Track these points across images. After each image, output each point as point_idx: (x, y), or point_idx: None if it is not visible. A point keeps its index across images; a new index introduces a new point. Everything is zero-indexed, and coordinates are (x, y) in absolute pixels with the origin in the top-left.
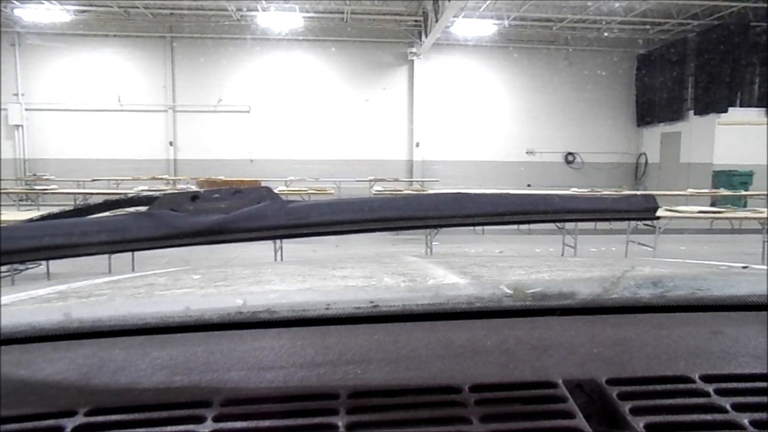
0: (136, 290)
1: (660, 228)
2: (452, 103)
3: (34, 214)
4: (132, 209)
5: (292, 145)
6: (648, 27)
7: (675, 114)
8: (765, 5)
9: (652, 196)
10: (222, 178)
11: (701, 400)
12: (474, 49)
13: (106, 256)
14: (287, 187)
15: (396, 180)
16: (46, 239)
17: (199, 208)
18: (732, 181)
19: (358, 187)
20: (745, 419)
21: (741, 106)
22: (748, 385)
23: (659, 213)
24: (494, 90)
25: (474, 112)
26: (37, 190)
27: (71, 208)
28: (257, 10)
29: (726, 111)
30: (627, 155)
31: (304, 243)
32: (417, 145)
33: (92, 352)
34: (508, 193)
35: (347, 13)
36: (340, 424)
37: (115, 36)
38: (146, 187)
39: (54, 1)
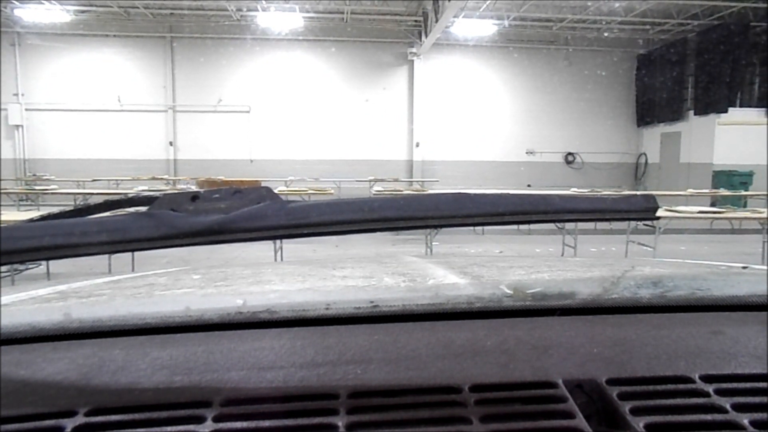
0: (136, 290)
1: (660, 228)
2: (452, 103)
3: (34, 214)
4: (132, 209)
5: (292, 145)
6: (648, 27)
7: (675, 114)
8: (765, 5)
9: (652, 196)
10: (222, 178)
11: (701, 400)
12: (474, 49)
13: (106, 256)
14: (287, 187)
15: (396, 180)
16: (46, 239)
17: (199, 208)
18: (732, 181)
19: (358, 187)
20: (745, 419)
21: (741, 106)
22: (748, 385)
23: (659, 213)
24: (494, 90)
25: (474, 112)
26: (37, 190)
27: (71, 208)
28: (257, 10)
29: (726, 111)
30: (627, 155)
31: (304, 243)
32: (417, 145)
33: (92, 352)
34: (508, 193)
35: (347, 13)
36: (340, 424)
37: (115, 36)
38: (146, 187)
39: (54, 1)
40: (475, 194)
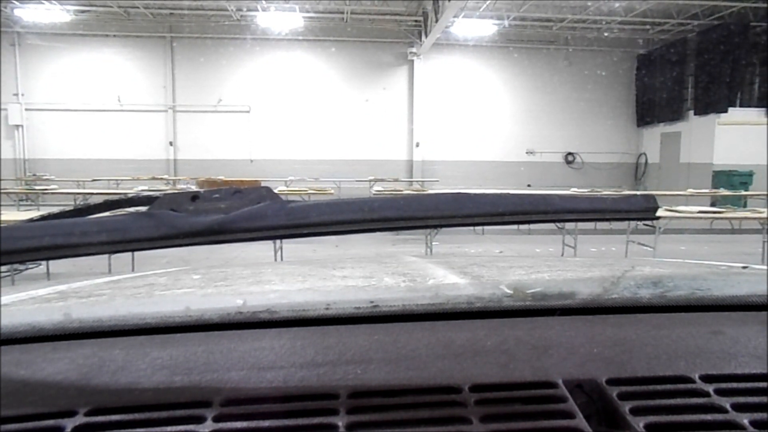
0: (136, 290)
1: (660, 228)
2: (452, 103)
3: (34, 214)
4: (132, 209)
5: (292, 145)
6: (648, 27)
7: (675, 114)
8: (765, 5)
9: (652, 196)
10: (222, 178)
11: (701, 400)
12: (474, 49)
13: (106, 256)
14: (287, 187)
15: (396, 180)
16: (46, 239)
17: (199, 208)
18: (732, 181)
19: (358, 187)
20: (745, 419)
21: (741, 106)
22: (748, 385)
23: (659, 213)
24: (494, 90)
25: (474, 112)
26: (37, 190)
27: (71, 208)
28: (257, 10)
29: (726, 111)
30: (627, 155)
31: (304, 243)
32: (417, 145)
33: (92, 352)
34: (508, 193)
35: (347, 13)
36: (340, 424)
37: (115, 36)
38: (146, 187)
39: (54, 1)
40: (475, 194)
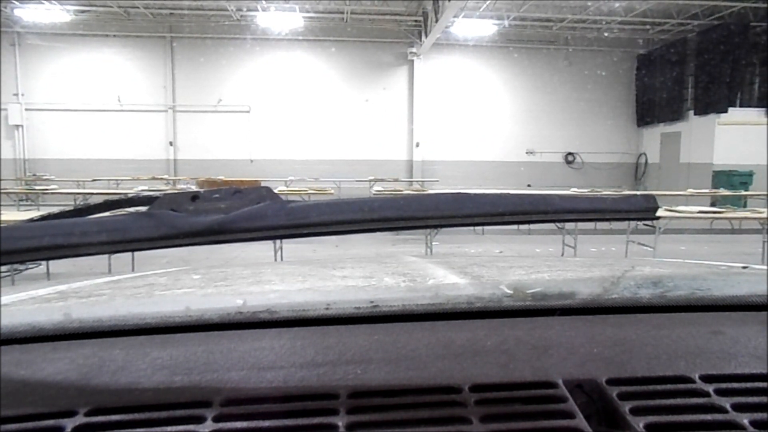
0: (136, 290)
1: (660, 228)
2: (452, 103)
3: (34, 214)
4: (132, 209)
5: (292, 145)
6: (648, 27)
7: (675, 114)
8: (765, 5)
9: (652, 196)
10: (222, 178)
11: (701, 400)
12: (474, 49)
13: (106, 256)
14: (287, 187)
15: (396, 180)
16: (46, 239)
17: (199, 208)
18: (732, 181)
19: (358, 187)
20: (745, 419)
21: (741, 106)
22: (748, 385)
23: (659, 213)
24: (494, 90)
25: (474, 112)
26: (37, 190)
27: (71, 208)
28: (257, 10)
29: (726, 111)
30: (627, 155)
31: (304, 243)
32: (417, 145)
33: (92, 352)
34: (508, 193)
35: (347, 13)
36: (340, 424)
37: (115, 36)
38: (146, 187)
39: (54, 1)
40: (475, 194)
